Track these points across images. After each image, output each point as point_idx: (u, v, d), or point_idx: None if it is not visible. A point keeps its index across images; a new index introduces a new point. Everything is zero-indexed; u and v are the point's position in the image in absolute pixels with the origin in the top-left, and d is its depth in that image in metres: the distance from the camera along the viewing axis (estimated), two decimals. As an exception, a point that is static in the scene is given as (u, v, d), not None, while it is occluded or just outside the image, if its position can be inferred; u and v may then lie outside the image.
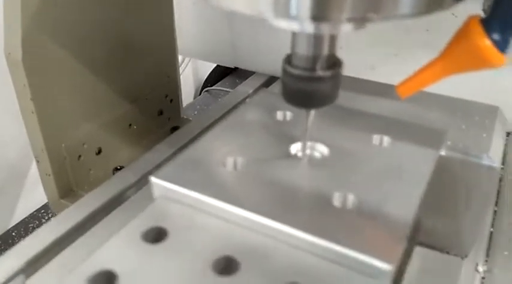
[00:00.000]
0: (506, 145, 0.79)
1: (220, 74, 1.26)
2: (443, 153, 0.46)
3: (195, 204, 0.37)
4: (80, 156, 0.67)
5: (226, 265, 0.33)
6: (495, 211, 0.63)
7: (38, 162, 0.63)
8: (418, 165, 0.40)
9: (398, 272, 0.47)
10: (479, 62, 0.32)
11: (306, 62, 0.35)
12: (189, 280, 0.31)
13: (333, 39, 0.35)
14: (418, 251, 0.53)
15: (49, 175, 0.64)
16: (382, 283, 0.31)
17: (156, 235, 0.35)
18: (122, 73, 0.72)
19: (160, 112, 0.83)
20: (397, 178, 0.39)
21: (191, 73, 1.42)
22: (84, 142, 0.68)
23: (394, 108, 0.53)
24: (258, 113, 0.48)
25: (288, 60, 0.36)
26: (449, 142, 0.47)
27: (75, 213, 0.47)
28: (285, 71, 0.36)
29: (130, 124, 0.76)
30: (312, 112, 0.40)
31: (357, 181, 0.39)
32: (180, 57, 0.99)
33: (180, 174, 0.39)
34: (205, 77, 1.30)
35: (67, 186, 0.66)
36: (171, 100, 0.85)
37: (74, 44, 0.62)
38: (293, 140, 0.44)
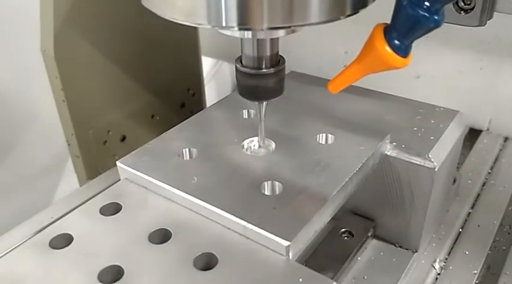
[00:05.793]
0: (500, 150, 0.80)
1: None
2: (388, 152, 0.51)
3: (148, 185, 0.44)
4: (105, 142, 0.75)
5: (161, 236, 0.40)
6: (469, 213, 0.66)
7: (69, 144, 0.72)
8: (347, 162, 0.45)
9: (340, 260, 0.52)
10: (384, 64, 0.37)
11: (252, 61, 0.42)
12: (127, 246, 0.39)
13: (274, 42, 0.41)
14: (373, 243, 0.57)
15: (78, 157, 0.72)
16: (285, 258, 0.37)
17: (113, 210, 0.43)
18: (146, 67, 0.79)
19: (182, 105, 0.89)
20: (323, 172, 0.44)
21: (229, 74, 1.47)
22: (109, 129, 0.76)
23: (357, 108, 0.57)
24: (225, 111, 0.55)
25: (240, 59, 0.43)
26: (394, 143, 0.51)
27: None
28: (236, 69, 0.43)
29: (153, 115, 0.84)
30: (264, 104, 0.45)
31: (288, 173, 0.44)
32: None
33: (140, 161, 0.46)
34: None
35: (94, 168, 0.74)
36: (194, 94, 0.92)
37: (102, 40, 0.70)
38: (250, 136, 0.50)
